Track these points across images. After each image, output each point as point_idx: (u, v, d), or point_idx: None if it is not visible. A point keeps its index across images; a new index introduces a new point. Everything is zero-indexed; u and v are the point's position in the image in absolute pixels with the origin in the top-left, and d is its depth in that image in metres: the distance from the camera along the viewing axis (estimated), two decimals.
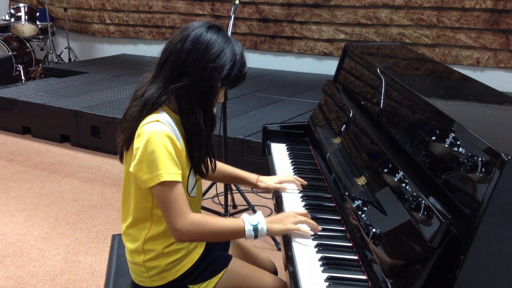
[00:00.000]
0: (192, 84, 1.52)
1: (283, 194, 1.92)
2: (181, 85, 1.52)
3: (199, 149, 1.59)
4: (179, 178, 1.50)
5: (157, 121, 1.49)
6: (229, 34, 3.08)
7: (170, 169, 1.47)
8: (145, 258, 1.63)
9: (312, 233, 1.62)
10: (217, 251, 1.77)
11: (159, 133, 1.47)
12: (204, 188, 2.78)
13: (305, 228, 1.62)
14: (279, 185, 1.94)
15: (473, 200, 1.16)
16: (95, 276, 2.78)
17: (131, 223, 1.65)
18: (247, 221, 1.56)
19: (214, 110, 1.63)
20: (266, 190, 1.98)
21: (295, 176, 2.03)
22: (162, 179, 1.46)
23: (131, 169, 1.51)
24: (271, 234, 1.60)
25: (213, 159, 1.72)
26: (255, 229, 1.55)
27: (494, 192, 1.09)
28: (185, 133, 1.56)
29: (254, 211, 3.21)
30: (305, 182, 1.97)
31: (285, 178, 1.97)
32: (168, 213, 1.50)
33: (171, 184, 1.48)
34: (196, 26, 1.56)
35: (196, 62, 1.52)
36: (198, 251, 1.70)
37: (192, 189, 1.66)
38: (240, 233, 1.56)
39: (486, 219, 1.10)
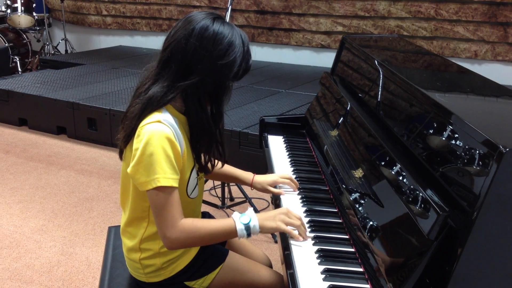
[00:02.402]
0: (201, 82, 1.46)
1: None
2: (189, 84, 1.46)
3: (208, 146, 1.55)
4: (176, 184, 1.45)
5: (159, 121, 1.44)
6: None
7: (168, 173, 1.43)
8: (142, 256, 1.62)
9: (301, 239, 1.54)
10: (214, 246, 1.75)
11: (159, 135, 1.42)
12: None
13: (296, 233, 1.55)
14: (274, 190, 1.87)
15: (470, 193, 1.15)
16: (92, 268, 2.77)
17: (129, 221, 1.63)
18: (238, 220, 1.50)
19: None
20: (262, 192, 1.93)
21: (292, 172, 2.02)
22: (159, 184, 1.42)
23: (128, 170, 1.46)
24: (264, 231, 1.53)
25: (222, 155, 1.65)
26: (247, 227, 1.50)
27: (492, 184, 1.08)
28: (191, 131, 1.52)
29: (251, 204, 3.22)
30: (298, 185, 1.91)
31: (281, 179, 1.90)
32: (159, 219, 1.46)
33: (166, 189, 1.44)
34: (200, 19, 1.48)
35: (205, 59, 1.45)
36: (194, 250, 1.67)
37: (193, 190, 1.62)
38: (232, 233, 1.50)
39: (483, 212, 1.09)
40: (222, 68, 1.46)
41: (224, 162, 1.70)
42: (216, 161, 1.69)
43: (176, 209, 1.46)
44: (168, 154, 1.43)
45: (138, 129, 1.45)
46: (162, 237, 1.48)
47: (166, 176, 1.42)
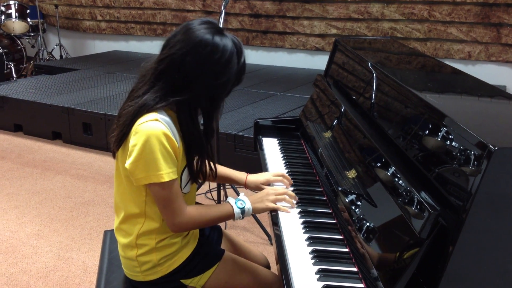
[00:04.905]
0: (193, 99, 1.53)
1: None
2: (181, 100, 1.52)
3: (200, 159, 1.62)
4: (176, 175, 1.53)
5: (156, 120, 1.49)
6: None
7: (169, 169, 1.49)
8: (138, 253, 1.64)
9: (290, 210, 1.73)
10: (210, 246, 1.77)
11: (157, 132, 1.46)
12: None
13: (285, 205, 1.74)
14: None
15: (461, 192, 1.17)
16: (88, 272, 2.78)
17: (124, 218, 1.65)
18: (235, 205, 1.68)
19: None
20: (256, 190, 1.95)
21: (285, 171, 2.04)
22: (162, 180, 1.49)
23: (127, 165, 1.50)
24: (255, 212, 1.74)
25: (213, 167, 1.77)
26: (243, 211, 1.68)
27: (482, 183, 1.10)
28: (184, 141, 1.57)
29: None
30: (292, 182, 1.94)
31: (273, 177, 1.93)
32: (167, 210, 1.55)
33: (170, 183, 1.51)
34: (200, 34, 1.50)
35: (200, 78, 1.50)
36: (190, 246, 1.70)
37: (185, 185, 1.65)
38: (230, 217, 1.68)
39: (473, 210, 1.11)
40: (216, 88, 1.54)
41: (215, 176, 1.82)
42: (207, 173, 1.75)
43: (180, 199, 1.56)
44: (168, 150, 1.49)
45: (136, 127, 1.49)
46: (170, 224, 1.58)
47: (168, 172, 1.50)
